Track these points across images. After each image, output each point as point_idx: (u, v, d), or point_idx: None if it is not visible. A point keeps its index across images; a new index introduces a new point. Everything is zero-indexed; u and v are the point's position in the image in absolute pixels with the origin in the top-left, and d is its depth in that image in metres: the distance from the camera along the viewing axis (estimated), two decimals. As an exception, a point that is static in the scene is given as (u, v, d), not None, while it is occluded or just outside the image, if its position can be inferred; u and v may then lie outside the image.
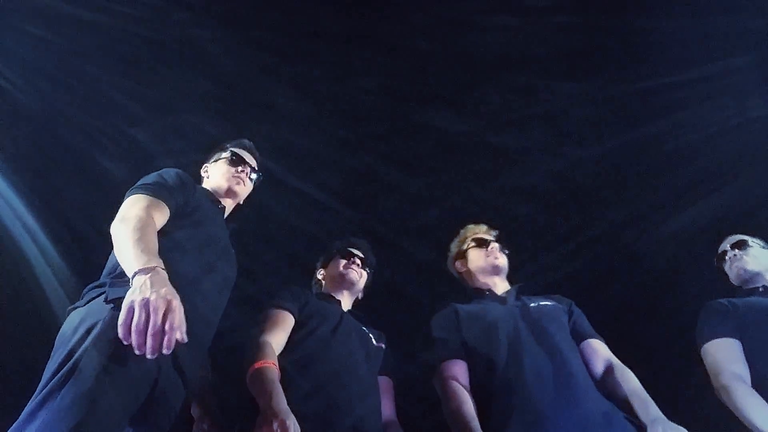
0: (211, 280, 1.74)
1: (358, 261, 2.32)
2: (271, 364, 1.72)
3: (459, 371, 1.94)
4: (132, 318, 1.27)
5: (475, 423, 1.76)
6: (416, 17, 3.35)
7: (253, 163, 2.20)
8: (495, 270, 2.25)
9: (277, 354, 1.82)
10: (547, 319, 2.00)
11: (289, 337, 1.93)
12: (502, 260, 2.28)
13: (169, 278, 1.39)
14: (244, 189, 2.12)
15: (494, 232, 2.41)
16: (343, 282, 2.27)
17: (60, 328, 1.49)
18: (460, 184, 3.36)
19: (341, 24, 3.34)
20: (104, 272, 1.66)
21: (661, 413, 1.73)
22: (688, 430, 1.73)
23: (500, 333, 1.94)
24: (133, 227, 1.50)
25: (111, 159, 3.06)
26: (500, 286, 2.25)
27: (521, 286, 2.24)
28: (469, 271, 2.34)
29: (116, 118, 3.12)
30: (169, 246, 1.61)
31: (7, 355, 2.48)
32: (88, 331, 1.38)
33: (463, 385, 1.89)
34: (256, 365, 1.71)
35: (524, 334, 1.92)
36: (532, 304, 2.09)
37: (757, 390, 1.89)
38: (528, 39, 3.28)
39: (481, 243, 2.33)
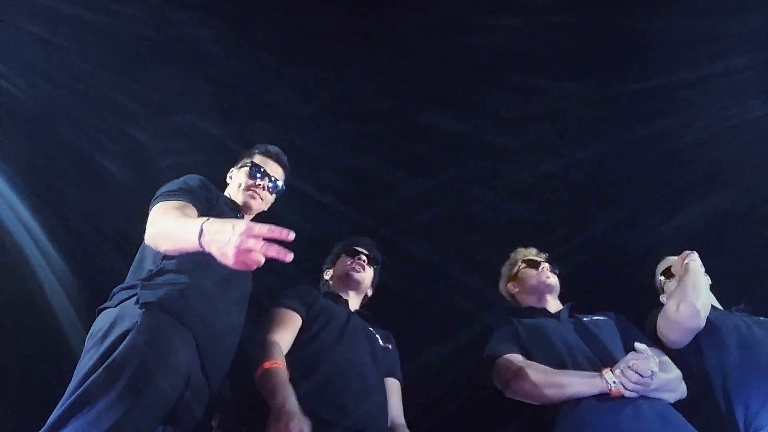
0: (229, 296, 1.75)
1: (363, 258, 2.33)
2: (279, 365, 1.73)
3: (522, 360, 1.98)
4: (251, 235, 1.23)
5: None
6: (416, 17, 3.35)
7: (278, 172, 2.10)
8: (547, 289, 2.33)
9: (284, 354, 1.83)
10: (601, 331, 2.05)
11: (296, 337, 1.93)
12: (553, 279, 2.37)
13: (191, 294, 1.43)
14: (260, 203, 2.04)
15: (544, 255, 2.50)
16: (349, 281, 2.28)
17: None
18: (460, 184, 3.36)
19: (341, 24, 3.34)
20: (131, 274, 1.68)
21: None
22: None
23: (557, 344, 1.99)
24: (173, 217, 1.51)
25: (111, 159, 3.05)
26: (553, 304, 2.32)
27: (573, 304, 2.29)
28: (521, 292, 2.42)
29: (116, 118, 3.12)
30: (190, 261, 1.60)
31: (7, 355, 2.48)
32: (123, 335, 1.39)
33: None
34: (265, 366, 1.71)
35: (580, 345, 1.98)
36: (585, 319, 2.15)
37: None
38: (528, 39, 3.28)
39: (532, 264, 2.42)
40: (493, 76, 3.34)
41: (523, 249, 2.55)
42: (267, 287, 2.46)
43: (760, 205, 3.02)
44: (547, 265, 2.40)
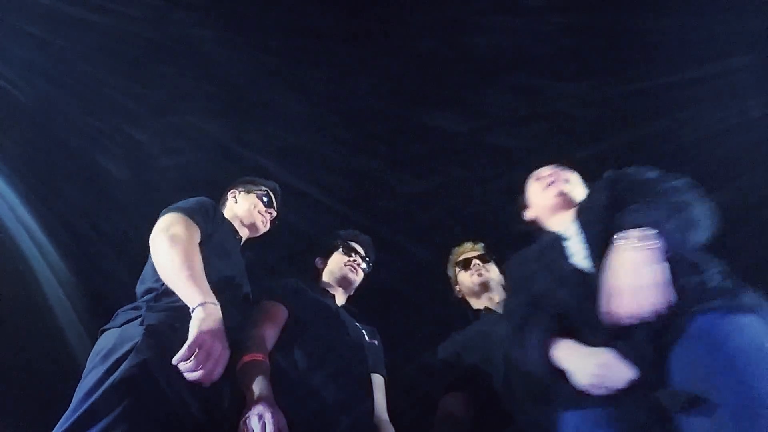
0: (228, 297, 1.80)
1: (359, 260, 2.31)
2: (260, 357, 1.70)
3: (458, 404, 1.99)
4: (188, 355, 1.43)
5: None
6: (416, 17, 3.35)
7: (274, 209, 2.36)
8: (483, 287, 2.24)
9: (269, 348, 1.80)
10: None
11: (283, 331, 1.90)
12: (488, 273, 2.25)
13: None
14: (263, 228, 2.27)
15: (479, 245, 2.38)
16: (342, 281, 2.26)
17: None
18: (460, 184, 3.36)
19: (341, 24, 3.34)
20: (139, 293, 1.75)
21: None
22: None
23: (495, 351, 1.95)
24: (182, 257, 1.61)
25: (111, 159, 3.06)
26: (496, 298, 2.23)
27: None
28: (465, 295, 2.33)
29: (116, 118, 3.12)
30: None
31: (7, 355, 2.48)
32: (126, 354, 1.45)
33: (460, 419, 1.96)
34: (246, 358, 1.68)
35: None
36: None
37: None
38: (528, 39, 3.28)
39: (465, 264, 2.31)
40: (493, 76, 3.34)
41: (457, 248, 2.41)
42: (266, 287, 2.46)
43: (760, 204, 3.02)
44: (477, 261, 2.27)
